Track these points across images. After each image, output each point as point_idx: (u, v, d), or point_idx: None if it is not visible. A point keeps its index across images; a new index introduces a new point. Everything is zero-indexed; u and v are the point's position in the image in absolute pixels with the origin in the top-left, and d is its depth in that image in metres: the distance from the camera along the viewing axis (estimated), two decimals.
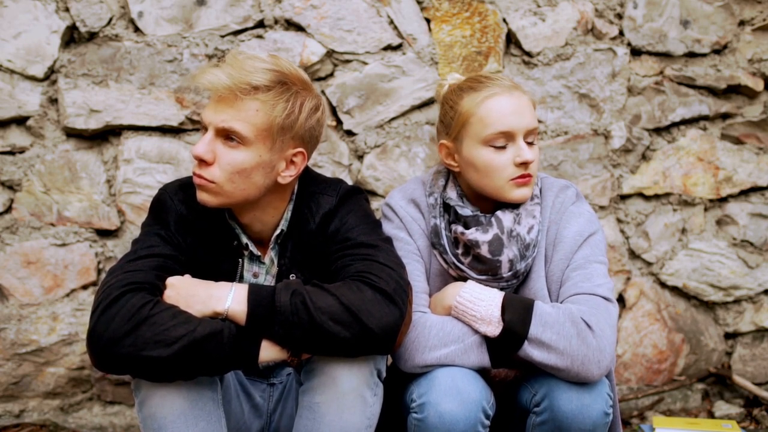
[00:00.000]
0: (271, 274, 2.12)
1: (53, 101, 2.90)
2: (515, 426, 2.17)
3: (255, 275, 2.12)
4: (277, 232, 2.09)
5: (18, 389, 2.98)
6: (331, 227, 2.06)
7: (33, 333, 2.94)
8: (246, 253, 2.10)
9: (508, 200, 2.11)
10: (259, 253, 2.10)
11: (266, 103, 1.91)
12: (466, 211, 2.15)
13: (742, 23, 3.14)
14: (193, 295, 1.83)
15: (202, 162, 1.94)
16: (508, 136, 2.08)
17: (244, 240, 2.08)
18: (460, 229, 2.13)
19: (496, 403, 2.04)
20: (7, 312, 2.93)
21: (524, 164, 2.08)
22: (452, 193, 2.20)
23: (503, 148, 2.08)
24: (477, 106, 2.09)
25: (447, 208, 2.19)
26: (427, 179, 2.28)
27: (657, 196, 3.17)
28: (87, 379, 3.01)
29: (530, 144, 2.11)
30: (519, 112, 2.09)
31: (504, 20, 3.02)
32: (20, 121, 2.90)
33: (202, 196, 1.98)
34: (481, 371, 2.02)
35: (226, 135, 1.93)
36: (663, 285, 3.23)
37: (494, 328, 1.96)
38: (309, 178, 2.14)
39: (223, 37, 2.91)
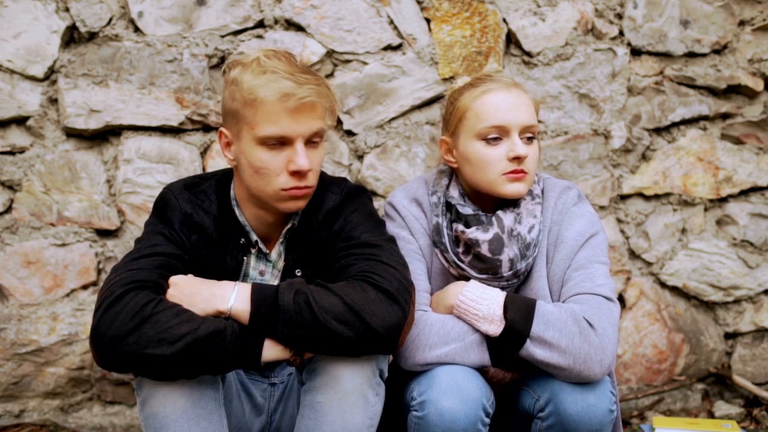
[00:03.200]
0: (278, 268, 2.12)
1: (53, 101, 2.89)
2: (517, 430, 2.17)
3: (261, 273, 2.12)
4: (289, 225, 2.10)
5: (18, 389, 2.98)
6: (335, 225, 2.07)
7: (33, 333, 2.94)
8: (254, 251, 2.10)
9: (501, 195, 2.12)
10: (268, 251, 2.11)
11: (327, 93, 1.97)
12: (467, 210, 2.15)
13: (742, 23, 3.14)
14: (196, 293, 1.84)
15: (305, 173, 1.96)
16: (502, 131, 2.09)
17: (254, 237, 2.09)
18: (460, 227, 2.13)
19: (495, 406, 2.04)
20: (7, 312, 2.93)
21: (517, 159, 2.08)
22: (454, 192, 2.21)
23: (497, 142, 2.10)
24: (473, 101, 2.12)
25: (449, 206, 2.20)
26: (431, 178, 2.29)
27: (657, 196, 3.18)
28: (87, 379, 3.01)
29: (529, 141, 2.12)
30: (514, 108, 2.10)
31: (504, 20, 3.02)
32: (20, 121, 2.89)
33: (299, 204, 2.01)
34: (479, 373, 2.02)
35: (311, 138, 1.96)
36: (663, 285, 3.23)
37: (496, 327, 1.96)
38: None
39: (223, 37, 2.91)
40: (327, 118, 2.00)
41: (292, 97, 1.88)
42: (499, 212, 2.15)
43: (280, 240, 2.11)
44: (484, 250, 2.10)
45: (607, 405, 1.93)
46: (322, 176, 2.18)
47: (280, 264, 2.13)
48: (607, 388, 1.95)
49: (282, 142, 1.94)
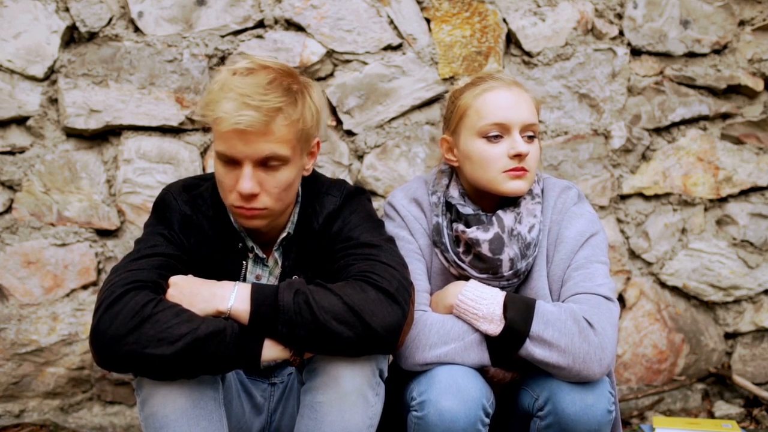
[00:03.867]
0: (275, 275, 2.12)
1: (53, 101, 2.89)
2: (515, 430, 2.17)
3: (258, 278, 2.12)
4: (284, 234, 2.09)
5: (18, 389, 2.98)
6: (334, 227, 2.07)
7: (33, 333, 2.94)
8: (251, 255, 2.10)
9: (502, 193, 2.12)
10: (264, 255, 2.11)
11: (290, 116, 1.90)
12: (467, 209, 2.16)
13: (742, 23, 3.14)
14: (196, 293, 1.83)
15: (249, 196, 1.92)
16: (503, 128, 2.10)
17: (250, 243, 2.09)
18: (461, 227, 2.13)
19: (495, 405, 2.04)
20: (7, 312, 2.93)
21: (518, 156, 2.08)
22: (455, 192, 2.21)
23: (498, 140, 2.10)
24: (474, 99, 2.13)
25: (449, 206, 2.20)
26: (431, 178, 2.29)
27: (657, 196, 3.18)
28: (87, 379, 3.01)
29: (530, 140, 2.12)
30: (515, 106, 2.10)
31: (504, 20, 3.02)
32: (20, 121, 2.89)
33: (254, 223, 1.97)
34: (479, 373, 2.02)
35: (265, 162, 1.91)
36: (663, 285, 3.23)
37: (496, 327, 1.96)
38: (312, 179, 2.15)
39: (223, 37, 2.91)
40: (294, 142, 1.92)
41: (225, 121, 1.85)
42: (500, 212, 2.15)
43: (276, 247, 2.11)
44: (485, 249, 2.10)
45: (606, 405, 1.93)
46: (321, 179, 2.18)
47: (277, 271, 2.12)
48: (606, 388, 1.95)
49: (233, 161, 1.91)
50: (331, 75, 2.99)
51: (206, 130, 2.95)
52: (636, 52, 3.11)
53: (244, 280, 2.10)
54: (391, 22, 2.98)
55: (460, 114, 2.15)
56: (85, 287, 2.97)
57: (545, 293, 2.12)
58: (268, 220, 1.99)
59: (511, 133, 2.10)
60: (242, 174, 1.90)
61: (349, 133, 3.01)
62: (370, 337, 1.79)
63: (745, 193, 3.22)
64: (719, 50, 3.14)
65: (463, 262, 2.15)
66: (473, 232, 2.11)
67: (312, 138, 2.00)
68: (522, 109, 2.11)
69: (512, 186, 2.11)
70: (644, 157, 3.15)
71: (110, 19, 2.88)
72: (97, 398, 3.03)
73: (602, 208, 3.13)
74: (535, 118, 2.14)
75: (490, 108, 2.11)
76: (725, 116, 3.18)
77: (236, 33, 2.93)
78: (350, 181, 2.99)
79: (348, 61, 2.98)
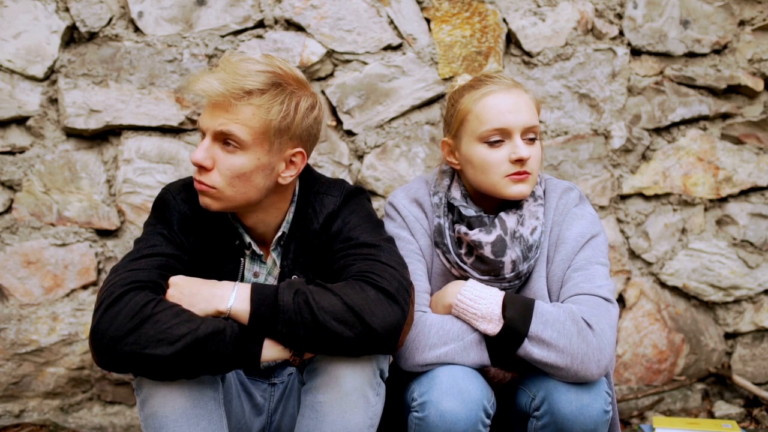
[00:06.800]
0: (273, 275, 2.12)
1: (53, 101, 2.89)
2: (514, 429, 2.17)
3: (255, 275, 2.12)
4: (279, 234, 2.09)
5: (18, 389, 2.98)
6: (333, 227, 2.07)
7: (33, 333, 2.94)
8: (248, 252, 2.10)
9: (505, 197, 2.11)
10: (261, 253, 2.11)
11: (261, 107, 1.91)
12: (469, 211, 2.15)
13: (742, 23, 3.14)
14: (196, 294, 1.84)
15: (201, 168, 1.95)
16: (504, 133, 2.09)
17: (247, 239, 2.09)
18: (463, 229, 2.13)
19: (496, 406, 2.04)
20: (7, 312, 2.93)
21: (519, 161, 2.08)
22: (456, 193, 2.20)
23: (499, 144, 2.09)
24: (474, 103, 2.11)
25: (451, 207, 2.20)
26: (432, 179, 2.29)
27: (657, 196, 3.18)
28: (87, 379, 3.01)
29: (531, 141, 2.11)
30: (515, 109, 2.09)
31: (504, 20, 3.02)
32: (20, 121, 2.89)
33: (205, 201, 1.99)
34: (479, 373, 2.02)
35: (224, 140, 1.93)
36: (663, 285, 3.23)
37: (495, 326, 1.96)
38: (312, 179, 2.15)
39: (223, 37, 2.91)
40: (259, 132, 1.92)
41: (195, 85, 1.91)
42: (502, 214, 2.14)
43: (273, 247, 2.11)
44: (487, 252, 2.10)
45: (602, 405, 1.93)
46: (320, 179, 2.18)
47: (276, 271, 2.12)
48: (603, 389, 1.95)
49: (203, 134, 1.97)
50: (331, 75, 2.99)
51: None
52: (636, 52, 3.11)
53: (242, 277, 2.11)
54: (391, 22, 2.98)
55: (461, 118, 2.14)
56: (85, 287, 2.97)
57: (544, 294, 2.12)
58: (221, 204, 1.98)
59: (512, 138, 2.09)
60: (199, 143, 1.95)
61: (349, 133, 3.01)
62: (370, 337, 1.79)
63: (745, 193, 3.23)
64: (719, 50, 3.14)
65: (465, 263, 2.15)
66: (476, 235, 2.11)
67: (286, 142, 1.97)
68: (522, 112, 2.10)
69: (515, 190, 2.11)
70: (644, 157, 3.15)
71: (110, 19, 2.88)
72: (97, 398, 3.03)
73: (602, 208, 3.13)
74: (535, 120, 2.13)
75: (490, 113, 2.09)
76: (725, 116, 3.18)
77: (236, 33, 2.93)
78: (350, 181, 2.99)
79: (348, 61, 2.98)
